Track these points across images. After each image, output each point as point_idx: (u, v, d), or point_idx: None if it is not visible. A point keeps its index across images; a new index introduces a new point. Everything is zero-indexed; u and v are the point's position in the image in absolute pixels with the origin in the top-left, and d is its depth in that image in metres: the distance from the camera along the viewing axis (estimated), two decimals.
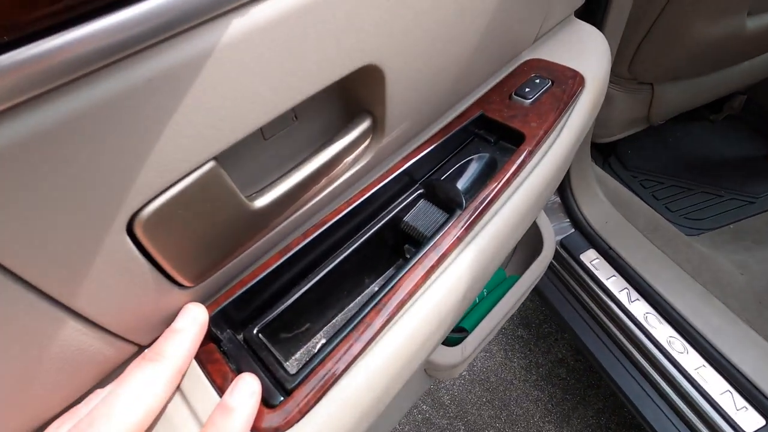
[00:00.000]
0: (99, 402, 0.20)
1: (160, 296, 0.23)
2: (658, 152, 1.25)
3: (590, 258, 0.91)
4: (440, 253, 0.29)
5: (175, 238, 0.21)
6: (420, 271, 0.28)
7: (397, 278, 0.28)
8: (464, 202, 0.33)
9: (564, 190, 0.95)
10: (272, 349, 0.29)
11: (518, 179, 0.34)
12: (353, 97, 0.28)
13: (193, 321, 0.24)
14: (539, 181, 0.35)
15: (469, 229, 0.31)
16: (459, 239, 0.30)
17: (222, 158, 0.21)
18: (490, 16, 0.31)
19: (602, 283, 0.87)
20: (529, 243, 0.75)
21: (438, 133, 0.36)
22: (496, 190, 0.33)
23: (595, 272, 0.89)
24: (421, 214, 0.34)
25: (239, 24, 0.18)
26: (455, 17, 0.28)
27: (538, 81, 0.39)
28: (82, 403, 0.23)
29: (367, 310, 0.27)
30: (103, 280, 0.19)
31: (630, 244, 0.88)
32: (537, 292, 1.00)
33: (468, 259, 0.30)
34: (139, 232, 0.19)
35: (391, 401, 0.28)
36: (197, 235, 0.22)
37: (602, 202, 0.96)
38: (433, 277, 0.29)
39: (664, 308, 0.79)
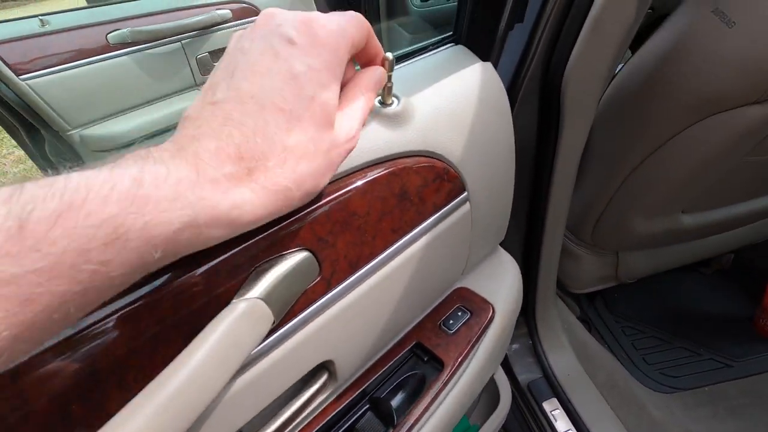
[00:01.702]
0: None
1: None
2: (644, 300, 1.32)
3: (552, 407, 0.98)
4: None
5: None
6: None
7: None
8: (395, 419, 0.47)
9: (533, 336, 1.05)
10: None
11: (436, 402, 0.48)
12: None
13: None
14: (450, 404, 0.49)
15: None
16: None
17: None
18: (416, 278, 0.47)
19: None
20: (492, 396, 0.86)
21: (383, 360, 0.51)
22: (417, 415, 0.47)
23: (554, 423, 0.96)
24: (367, 425, 0.49)
25: None
26: (393, 292, 0.45)
27: (460, 313, 0.54)
28: None
29: None
30: None
31: (587, 400, 0.95)
32: None
33: None
34: None
35: None
36: None
37: (567, 352, 1.04)
38: None
39: None
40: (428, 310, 0.56)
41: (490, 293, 0.57)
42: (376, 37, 0.32)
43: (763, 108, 0.59)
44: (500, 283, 0.59)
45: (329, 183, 0.35)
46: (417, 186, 0.40)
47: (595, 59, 0.61)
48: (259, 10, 1.52)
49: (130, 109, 1.33)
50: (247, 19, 1.49)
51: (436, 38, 0.49)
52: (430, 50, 0.49)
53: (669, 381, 1.11)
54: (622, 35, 0.61)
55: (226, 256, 0.29)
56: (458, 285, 0.59)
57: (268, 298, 0.29)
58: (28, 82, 1.15)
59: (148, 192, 0.20)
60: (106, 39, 1.24)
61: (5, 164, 3.55)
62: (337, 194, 0.34)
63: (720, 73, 0.60)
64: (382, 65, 0.34)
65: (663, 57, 0.67)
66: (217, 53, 1.47)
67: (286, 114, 0.25)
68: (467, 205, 0.47)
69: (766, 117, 0.60)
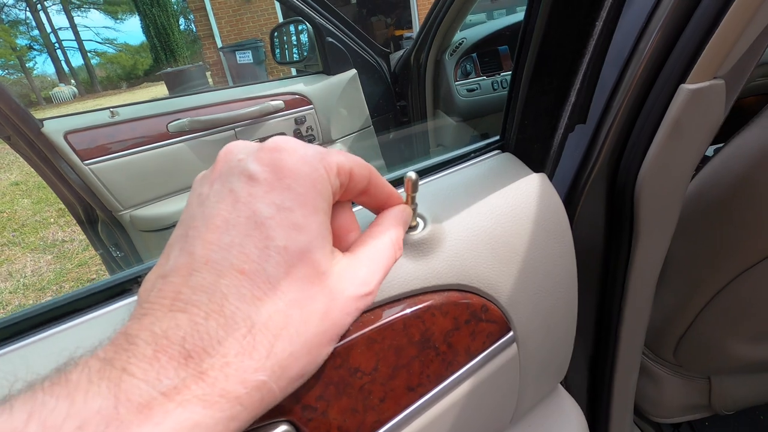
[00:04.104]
0: None
1: None
2: (744, 430, 1.07)
3: None
4: None
5: None
6: None
7: None
8: None
9: None
10: None
11: None
12: None
13: None
14: None
15: None
16: None
17: None
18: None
19: None
20: None
21: None
22: None
23: None
24: None
25: None
26: None
27: None
28: None
29: None
30: None
31: None
32: None
33: None
34: None
35: None
36: None
37: None
38: None
39: None
40: None
41: None
42: (383, 177, 0.26)
43: None
44: None
45: None
46: (445, 330, 0.31)
47: (675, 163, 0.52)
48: (311, 102, 1.60)
49: (180, 191, 1.38)
50: (298, 109, 1.56)
51: (480, 144, 0.43)
52: (472, 158, 0.42)
53: None
54: (707, 136, 0.52)
55: None
56: None
57: None
58: (91, 167, 1.22)
59: None
60: (167, 128, 1.32)
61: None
62: None
63: None
64: (406, 188, 0.28)
65: (759, 157, 0.57)
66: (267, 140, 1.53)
67: (250, 277, 0.18)
68: (513, 348, 0.36)
69: None
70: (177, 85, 8.02)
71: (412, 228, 0.31)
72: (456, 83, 1.62)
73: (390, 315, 0.28)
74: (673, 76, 0.49)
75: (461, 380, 0.33)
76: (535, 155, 0.40)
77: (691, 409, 0.92)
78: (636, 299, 0.63)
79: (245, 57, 8.48)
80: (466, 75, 1.64)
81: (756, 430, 1.07)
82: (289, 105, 1.54)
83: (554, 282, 0.39)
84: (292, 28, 1.72)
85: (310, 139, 1.61)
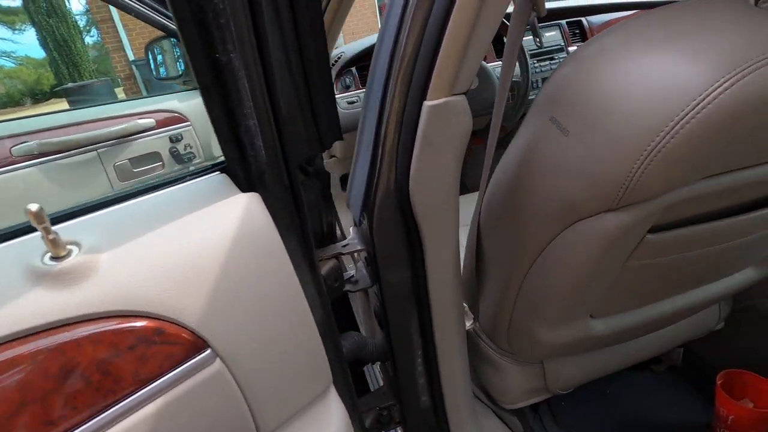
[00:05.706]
0: None
1: None
2: (594, 405, 1.18)
3: None
4: None
5: None
6: None
7: None
8: None
9: None
10: None
11: None
12: None
13: None
14: None
15: None
16: None
17: None
18: None
19: None
20: None
21: None
22: None
23: None
24: None
25: None
26: None
27: None
28: None
29: None
30: None
31: None
32: None
33: None
34: None
35: None
36: None
37: None
38: None
39: None
40: None
41: None
42: None
43: (617, 216, 0.55)
44: None
45: None
46: (97, 359, 0.31)
47: (435, 173, 0.58)
48: (187, 119, 1.56)
49: None
50: (171, 127, 1.50)
51: (207, 165, 0.44)
52: (187, 180, 0.43)
53: None
54: (457, 146, 0.58)
55: None
56: None
57: None
58: None
59: None
60: (10, 152, 1.21)
61: None
62: None
63: (565, 182, 0.56)
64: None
65: (516, 167, 0.64)
66: (138, 159, 1.46)
67: None
68: (216, 365, 0.37)
69: (622, 224, 0.55)
70: (80, 102, 7.42)
71: (57, 258, 0.31)
72: (336, 96, 1.66)
73: (12, 353, 0.28)
74: (418, 94, 0.54)
75: (139, 404, 0.33)
76: (245, 175, 0.42)
77: (534, 393, 1.00)
78: (440, 296, 0.68)
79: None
80: (346, 88, 1.68)
81: (605, 403, 1.19)
82: (162, 123, 1.48)
83: (272, 293, 0.41)
84: (167, 44, 1.67)
85: (190, 157, 1.56)
